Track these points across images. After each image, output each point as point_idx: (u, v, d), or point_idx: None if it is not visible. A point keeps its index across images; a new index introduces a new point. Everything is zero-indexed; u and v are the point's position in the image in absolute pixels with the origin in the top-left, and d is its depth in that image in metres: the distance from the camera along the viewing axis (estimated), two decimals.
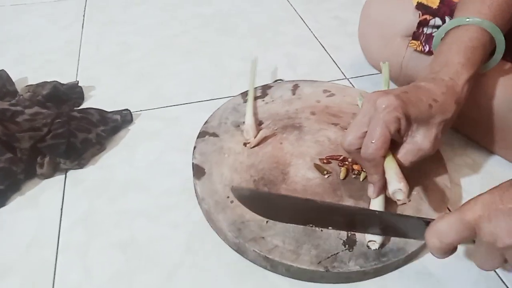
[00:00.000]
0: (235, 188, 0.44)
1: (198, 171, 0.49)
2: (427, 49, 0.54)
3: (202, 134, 0.54)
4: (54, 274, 0.42)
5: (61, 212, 0.48)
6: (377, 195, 0.43)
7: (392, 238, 0.42)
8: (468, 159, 0.55)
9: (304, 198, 0.44)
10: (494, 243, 0.30)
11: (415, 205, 0.46)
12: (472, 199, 0.32)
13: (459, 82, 0.43)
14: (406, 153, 0.41)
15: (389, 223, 0.38)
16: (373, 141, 0.39)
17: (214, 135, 0.54)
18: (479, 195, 0.32)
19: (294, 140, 0.53)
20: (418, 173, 0.49)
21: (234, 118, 0.56)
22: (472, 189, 0.51)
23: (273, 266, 0.42)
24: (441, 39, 0.47)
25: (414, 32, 0.56)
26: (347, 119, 0.56)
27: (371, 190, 0.43)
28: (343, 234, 0.43)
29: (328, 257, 0.41)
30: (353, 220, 0.39)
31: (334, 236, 0.43)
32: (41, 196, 0.50)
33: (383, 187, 0.42)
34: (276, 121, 0.56)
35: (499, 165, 0.54)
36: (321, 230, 0.43)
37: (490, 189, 0.32)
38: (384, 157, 0.41)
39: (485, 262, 0.32)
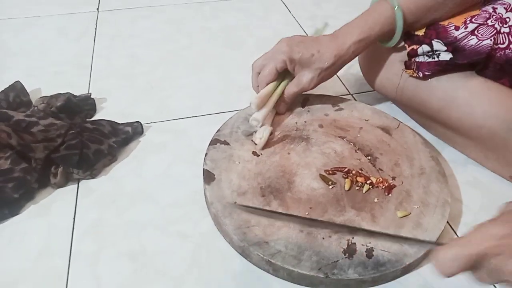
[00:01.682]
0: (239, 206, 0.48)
1: (208, 177, 0.51)
2: (421, 74, 0.56)
3: (213, 142, 0.56)
4: (67, 282, 0.44)
5: (74, 221, 0.50)
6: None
7: (392, 250, 0.44)
8: (469, 176, 0.56)
9: (304, 217, 0.47)
10: (498, 274, 0.30)
11: (416, 219, 0.47)
12: (479, 228, 0.32)
13: (347, 41, 0.56)
14: (291, 84, 0.58)
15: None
16: (264, 72, 0.57)
17: (225, 143, 0.56)
18: (488, 224, 0.32)
19: (301, 151, 0.55)
20: (420, 189, 0.51)
21: (245, 128, 0.58)
22: (472, 205, 0.53)
23: (275, 270, 0.44)
24: None
25: (405, 62, 0.58)
26: (354, 133, 0.58)
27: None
28: (344, 242, 0.45)
29: (328, 264, 0.42)
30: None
31: (335, 244, 0.44)
32: (54, 205, 0.51)
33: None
34: (285, 132, 0.58)
35: (499, 182, 0.56)
36: (323, 238, 0.45)
37: (499, 219, 0.32)
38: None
39: (484, 279, 0.33)
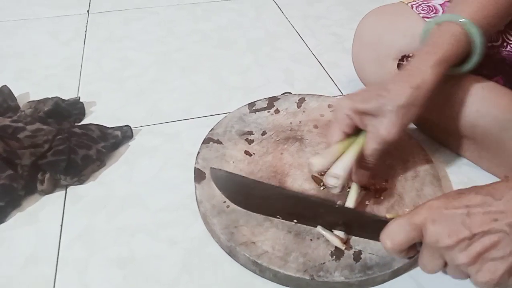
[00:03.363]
0: (213, 169, 0.46)
1: (199, 176, 0.51)
2: None
3: (206, 141, 0.56)
4: None
5: (61, 228, 0.49)
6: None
7: (380, 253, 0.43)
8: (463, 177, 0.56)
9: (276, 186, 0.46)
10: (436, 243, 0.32)
11: None
12: (421, 204, 0.35)
13: (422, 67, 0.45)
14: (368, 141, 0.44)
15: (353, 220, 0.42)
16: (328, 137, 0.46)
17: (218, 142, 0.55)
18: (428, 200, 0.34)
19: (294, 151, 0.55)
20: (413, 192, 0.50)
21: (239, 127, 0.58)
22: None
23: (261, 271, 0.43)
24: None
25: (398, 64, 0.58)
26: None
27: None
28: (332, 244, 0.44)
29: (315, 266, 0.42)
30: (319, 212, 0.43)
31: (323, 246, 0.44)
32: (41, 212, 0.50)
33: None
34: (279, 132, 0.57)
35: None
36: (311, 240, 0.44)
37: (439, 196, 0.35)
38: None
39: (428, 263, 0.34)
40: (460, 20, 0.46)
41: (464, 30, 0.46)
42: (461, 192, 0.33)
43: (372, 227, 0.39)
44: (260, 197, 0.45)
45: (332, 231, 0.44)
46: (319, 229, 0.45)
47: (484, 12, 0.47)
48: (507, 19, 0.51)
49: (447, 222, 0.32)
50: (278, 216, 0.46)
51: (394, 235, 0.34)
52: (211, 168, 0.46)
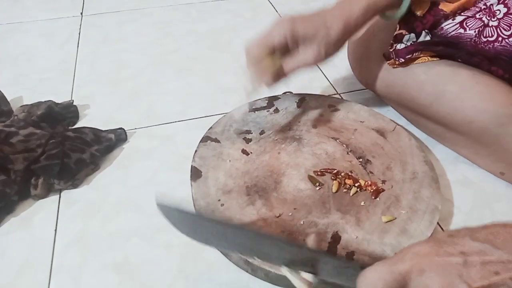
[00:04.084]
0: (160, 204, 0.39)
1: (195, 174, 0.51)
2: (402, 60, 0.55)
3: (204, 139, 0.56)
4: None
5: (55, 233, 0.48)
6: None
7: (373, 255, 0.43)
8: (460, 175, 0.56)
9: (234, 224, 0.41)
10: None
11: (403, 224, 0.46)
12: (406, 248, 0.30)
13: (354, 9, 0.48)
14: (293, 60, 0.49)
15: (324, 264, 0.35)
16: (252, 49, 0.50)
17: (216, 140, 0.56)
18: (414, 244, 0.30)
19: (292, 151, 0.54)
20: (410, 194, 0.49)
21: (237, 126, 0.58)
22: (463, 205, 0.52)
23: (253, 270, 0.43)
24: None
25: (384, 54, 0.58)
26: (348, 135, 0.57)
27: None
28: (324, 245, 0.44)
29: None
30: (285, 255, 0.36)
31: (315, 246, 0.43)
32: (35, 217, 0.50)
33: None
34: (277, 132, 0.57)
35: (490, 181, 0.55)
36: (304, 240, 0.44)
37: (427, 239, 0.30)
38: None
39: None
40: None
41: None
42: (452, 235, 0.29)
43: (345, 272, 0.34)
44: (215, 235, 0.38)
45: (299, 273, 0.37)
46: (284, 270, 0.37)
47: None
48: None
49: (440, 272, 0.27)
50: (238, 252, 0.40)
51: (373, 285, 0.29)
52: (158, 204, 0.38)
